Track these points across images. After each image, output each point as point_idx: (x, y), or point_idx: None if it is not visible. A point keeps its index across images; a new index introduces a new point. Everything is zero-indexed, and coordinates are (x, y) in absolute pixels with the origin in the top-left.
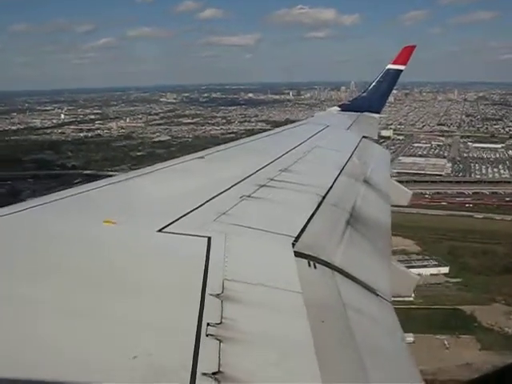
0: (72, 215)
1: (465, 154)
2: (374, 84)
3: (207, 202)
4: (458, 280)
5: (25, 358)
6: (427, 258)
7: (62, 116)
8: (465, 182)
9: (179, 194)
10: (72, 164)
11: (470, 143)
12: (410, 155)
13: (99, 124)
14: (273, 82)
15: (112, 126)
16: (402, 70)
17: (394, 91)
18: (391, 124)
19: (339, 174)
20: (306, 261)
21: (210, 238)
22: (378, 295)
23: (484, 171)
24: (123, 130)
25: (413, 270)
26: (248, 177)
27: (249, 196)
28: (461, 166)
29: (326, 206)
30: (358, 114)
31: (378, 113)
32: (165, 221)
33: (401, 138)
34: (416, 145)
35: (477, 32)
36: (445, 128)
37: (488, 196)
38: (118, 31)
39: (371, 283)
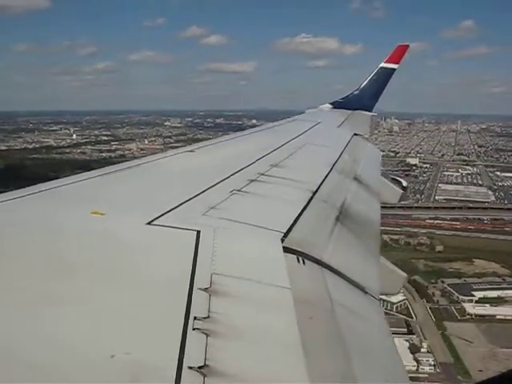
0: (59, 205)
1: (499, 183)
2: (366, 82)
3: (197, 195)
4: None
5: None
6: None
7: (74, 136)
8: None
9: (169, 187)
10: None
11: (497, 172)
12: (447, 183)
13: (116, 145)
14: (270, 110)
15: (132, 147)
16: (394, 69)
17: (396, 121)
18: (409, 152)
19: (330, 171)
20: (294, 257)
21: (199, 232)
22: (366, 292)
23: None
24: (144, 152)
25: None
26: (239, 171)
27: (239, 190)
28: (502, 193)
29: (316, 202)
30: (350, 111)
31: (370, 111)
32: (154, 213)
33: (426, 165)
34: (446, 173)
35: (471, 65)
36: (465, 157)
37: None
38: (120, 55)
39: (360, 280)
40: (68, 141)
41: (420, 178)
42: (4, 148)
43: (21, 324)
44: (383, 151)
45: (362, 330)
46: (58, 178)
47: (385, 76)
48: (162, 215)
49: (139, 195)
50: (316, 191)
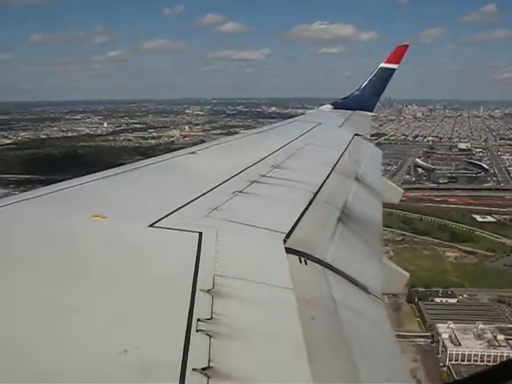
0: (60, 209)
1: None
2: (366, 82)
3: (199, 197)
4: None
5: (10, 356)
6: None
7: (105, 124)
8: None
9: (171, 189)
10: None
11: None
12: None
13: (154, 132)
14: (283, 98)
15: (175, 133)
16: (394, 69)
17: (416, 107)
18: (451, 138)
19: (331, 171)
20: (297, 257)
21: (201, 234)
22: (369, 292)
23: None
24: (187, 139)
25: None
26: (240, 173)
27: (241, 192)
28: None
29: (317, 203)
30: (351, 111)
31: (371, 111)
32: (156, 216)
33: (478, 150)
34: (504, 157)
35: (485, 50)
36: (509, 142)
37: None
38: (133, 44)
39: (362, 280)
40: (103, 129)
41: (482, 162)
42: (44, 136)
43: (35, 325)
44: (424, 136)
45: (365, 329)
46: (122, 165)
47: (385, 76)
48: (164, 217)
49: (141, 197)
50: (317, 192)
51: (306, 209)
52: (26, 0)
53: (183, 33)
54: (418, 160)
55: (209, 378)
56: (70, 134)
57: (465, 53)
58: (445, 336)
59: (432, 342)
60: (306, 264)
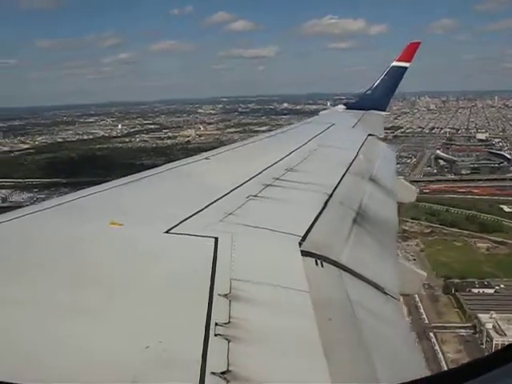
0: (77, 218)
1: None
2: (378, 82)
3: (214, 202)
4: None
5: (42, 356)
6: None
7: (120, 126)
8: None
9: (186, 195)
10: None
11: None
12: None
13: (169, 133)
14: (294, 94)
15: (190, 133)
16: (406, 67)
17: (428, 99)
18: (467, 128)
19: (345, 173)
20: (313, 260)
21: (217, 239)
22: (386, 293)
23: None
24: (203, 138)
25: None
26: (254, 177)
27: (255, 196)
28: None
29: (332, 205)
30: (364, 111)
31: (384, 110)
32: (172, 222)
33: (497, 140)
34: None
35: (496, 40)
36: None
37: None
38: (142, 45)
39: (379, 281)
40: (118, 131)
41: (503, 152)
42: (60, 140)
43: (63, 326)
44: (440, 128)
45: (383, 330)
46: (143, 165)
47: (397, 75)
48: (180, 223)
49: (156, 204)
50: (332, 194)
51: (321, 211)
52: (34, 5)
53: (192, 33)
54: (438, 152)
55: (228, 381)
56: (85, 137)
57: (477, 43)
58: (488, 326)
59: (474, 333)
60: (322, 266)
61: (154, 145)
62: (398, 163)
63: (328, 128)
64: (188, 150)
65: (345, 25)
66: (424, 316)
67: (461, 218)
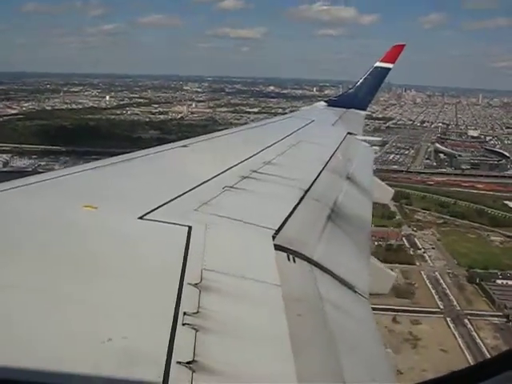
0: (51, 198)
1: None
2: (361, 81)
3: (189, 191)
4: None
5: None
6: None
7: (107, 98)
8: None
9: (161, 181)
10: None
11: None
12: None
13: (160, 108)
14: (275, 77)
15: (182, 110)
16: (390, 69)
17: (414, 92)
18: (449, 125)
19: (322, 169)
20: (285, 254)
21: (190, 228)
22: (355, 292)
23: None
24: (195, 115)
25: None
26: (231, 168)
27: (231, 187)
28: None
29: (307, 201)
30: (344, 109)
31: (364, 110)
32: (146, 208)
33: (488, 138)
34: None
35: (482, 39)
36: None
37: None
38: (129, 17)
39: (349, 279)
40: (106, 103)
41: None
42: (49, 108)
43: (23, 312)
44: (431, 122)
45: (351, 328)
46: (140, 138)
47: (379, 75)
48: (154, 210)
49: (132, 189)
50: (308, 189)
51: (296, 206)
52: None
53: (181, 8)
54: (437, 145)
55: (193, 371)
56: (74, 107)
57: (463, 40)
58: None
59: (508, 321)
60: (294, 261)
61: (147, 119)
62: (397, 154)
63: (308, 124)
64: (185, 126)
65: (335, 12)
66: (455, 303)
67: (470, 211)
